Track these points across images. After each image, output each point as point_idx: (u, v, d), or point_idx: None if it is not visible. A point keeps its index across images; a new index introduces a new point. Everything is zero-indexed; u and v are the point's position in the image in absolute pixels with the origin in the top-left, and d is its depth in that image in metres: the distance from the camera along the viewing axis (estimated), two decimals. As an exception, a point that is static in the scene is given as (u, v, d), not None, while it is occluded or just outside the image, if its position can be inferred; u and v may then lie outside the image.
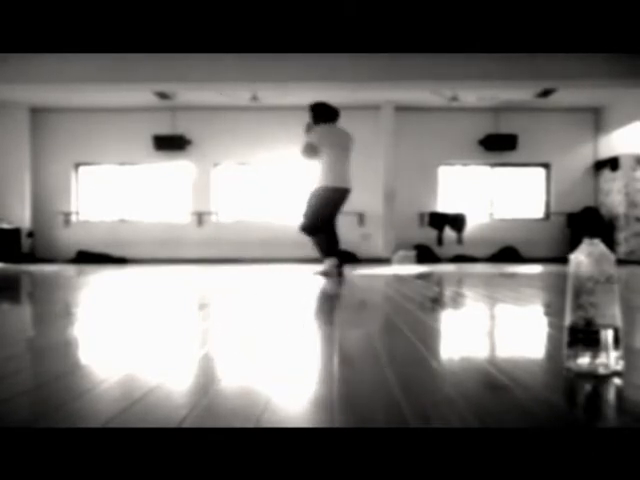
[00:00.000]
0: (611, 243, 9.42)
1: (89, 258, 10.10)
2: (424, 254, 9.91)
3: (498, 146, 10.39)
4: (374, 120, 10.31)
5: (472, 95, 9.59)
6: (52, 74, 7.90)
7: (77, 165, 10.80)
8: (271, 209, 10.56)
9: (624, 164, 9.46)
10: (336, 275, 5.27)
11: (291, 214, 10.60)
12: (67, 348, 1.76)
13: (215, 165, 10.62)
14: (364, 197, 10.41)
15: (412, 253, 9.63)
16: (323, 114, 5.79)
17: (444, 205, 10.66)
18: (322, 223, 5.49)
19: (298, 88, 8.73)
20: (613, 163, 9.72)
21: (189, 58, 7.48)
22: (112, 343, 1.86)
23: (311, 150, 5.54)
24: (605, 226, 9.72)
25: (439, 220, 10.34)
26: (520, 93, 9.40)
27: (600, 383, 1.23)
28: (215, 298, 3.52)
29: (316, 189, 5.55)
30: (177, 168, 10.79)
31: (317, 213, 5.49)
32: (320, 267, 5.47)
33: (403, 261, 9.34)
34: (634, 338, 1.86)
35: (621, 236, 9.46)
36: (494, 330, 2.22)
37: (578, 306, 1.29)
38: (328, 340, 1.83)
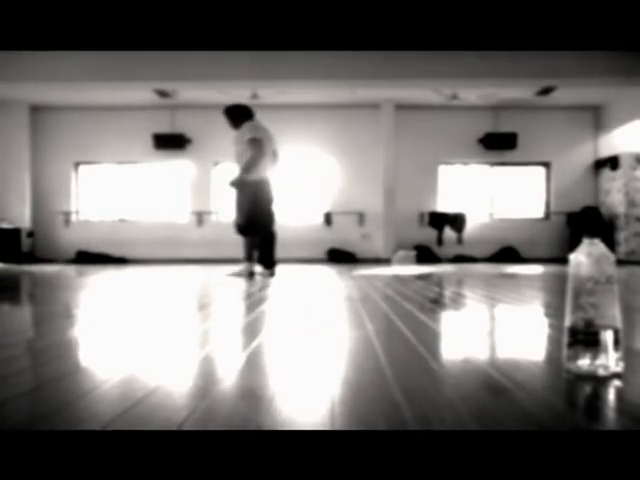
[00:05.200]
0: (611, 243, 9.42)
1: (89, 258, 10.11)
2: (424, 254, 9.91)
3: (498, 145, 10.39)
4: (374, 119, 10.32)
5: (472, 93, 9.59)
6: (52, 72, 7.90)
7: (77, 164, 10.80)
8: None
9: (624, 163, 9.46)
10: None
11: (291, 214, 10.60)
12: (68, 349, 1.76)
13: (215, 164, 10.62)
14: (364, 196, 10.42)
15: (412, 253, 9.63)
16: (242, 114, 5.66)
17: (444, 205, 10.66)
18: (253, 222, 5.48)
19: (298, 86, 8.73)
20: (613, 162, 9.72)
21: (189, 56, 7.48)
22: (112, 344, 1.86)
23: (261, 145, 5.40)
24: (605, 226, 9.71)
25: (439, 220, 10.34)
26: (520, 91, 9.40)
27: (600, 385, 1.23)
28: (215, 298, 3.52)
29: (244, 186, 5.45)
30: (177, 167, 10.79)
31: (244, 212, 5.47)
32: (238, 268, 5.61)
33: (403, 261, 9.34)
34: (634, 339, 1.86)
35: (621, 236, 9.46)
36: (494, 331, 2.22)
37: (578, 307, 1.29)
38: (328, 341, 1.83)
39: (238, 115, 5.65)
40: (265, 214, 5.60)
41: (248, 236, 5.56)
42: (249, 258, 5.55)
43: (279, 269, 6.09)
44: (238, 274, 5.46)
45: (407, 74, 8.00)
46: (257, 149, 5.38)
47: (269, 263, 5.62)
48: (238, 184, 5.48)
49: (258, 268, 5.66)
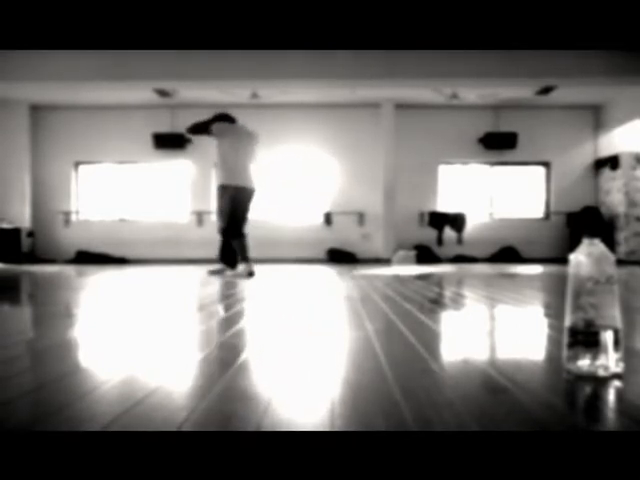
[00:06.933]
0: (611, 243, 9.42)
1: (89, 258, 10.10)
2: (424, 254, 9.91)
3: (498, 144, 10.38)
4: (374, 119, 10.31)
5: (472, 93, 9.59)
6: (52, 71, 7.89)
7: (77, 164, 10.80)
8: (270, 208, 10.56)
9: (624, 162, 9.45)
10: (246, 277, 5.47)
11: (291, 213, 10.60)
12: (68, 349, 1.76)
13: (215, 164, 10.60)
14: (364, 196, 10.42)
15: (412, 253, 9.63)
16: (222, 119, 5.90)
17: (444, 205, 10.65)
18: (237, 224, 5.62)
19: (298, 86, 8.73)
20: (613, 161, 9.71)
21: (189, 55, 7.48)
22: (112, 344, 1.86)
23: (201, 127, 5.72)
24: (605, 226, 9.71)
25: (439, 220, 10.33)
26: (520, 90, 9.40)
27: (600, 385, 1.23)
28: (215, 299, 3.52)
29: (224, 188, 5.64)
30: (177, 167, 10.78)
31: (232, 215, 5.60)
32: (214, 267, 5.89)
33: (403, 261, 9.34)
34: (634, 340, 1.85)
35: (621, 236, 9.45)
36: (494, 331, 2.22)
37: (578, 307, 1.29)
38: (327, 342, 1.83)
39: (217, 117, 5.90)
40: (241, 218, 5.70)
41: (235, 238, 5.64)
42: (245, 258, 5.62)
43: (282, 269, 6.08)
44: (238, 275, 5.52)
45: (407, 74, 7.99)
46: (192, 125, 5.81)
47: (232, 261, 5.76)
48: (219, 188, 5.70)
49: (241, 267, 5.73)
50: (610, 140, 10.08)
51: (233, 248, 5.72)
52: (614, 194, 9.78)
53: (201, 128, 5.73)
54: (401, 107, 10.24)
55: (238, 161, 5.64)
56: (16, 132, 10.26)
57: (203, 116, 8.45)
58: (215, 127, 5.66)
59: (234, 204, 5.58)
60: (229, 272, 5.71)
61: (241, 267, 5.62)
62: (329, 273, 6.19)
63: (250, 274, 5.53)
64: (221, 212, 5.66)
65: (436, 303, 3.17)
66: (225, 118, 5.90)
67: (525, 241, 10.44)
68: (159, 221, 10.66)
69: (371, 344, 1.74)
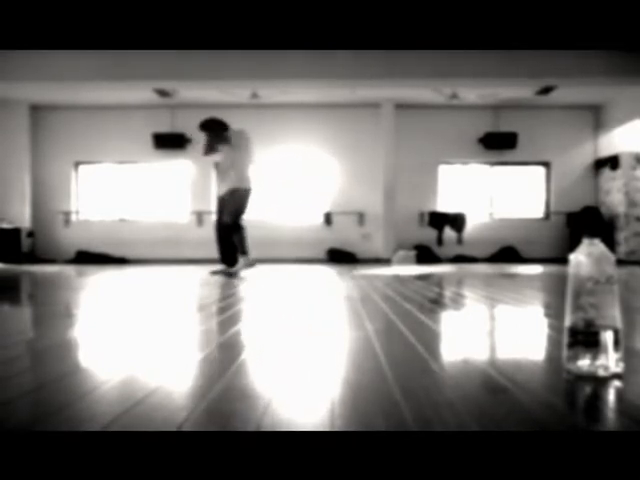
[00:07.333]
0: (611, 243, 9.41)
1: (89, 258, 10.10)
2: (424, 254, 9.90)
3: (498, 144, 10.38)
4: (374, 119, 10.31)
5: (472, 93, 9.59)
6: (52, 72, 7.89)
7: (77, 164, 10.79)
8: (270, 208, 10.56)
9: (624, 162, 9.44)
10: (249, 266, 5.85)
11: (291, 213, 10.60)
12: (68, 349, 1.76)
13: (215, 164, 10.60)
14: (364, 196, 10.42)
15: (412, 253, 9.62)
16: (219, 125, 6.05)
17: (444, 205, 10.65)
18: (237, 220, 5.93)
19: (298, 86, 8.72)
20: (613, 162, 9.70)
21: (189, 55, 7.48)
22: (112, 344, 1.86)
23: (211, 148, 5.98)
24: (605, 226, 9.70)
25: (439, 220, 10.33)
26: (520, 90, 9.39)
27: (600, 385, 1.23)
28: (215, 299, 3.52)
29: (235, 191, 5.88)
30: (177, 167, 10.78)
31: (238, 213, 5.90)
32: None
33: (403, 261, 9.34)
34: (634, 340, 1.85)
35: (621, 236, 9.45)
36: (494, 331, 2.22)
37: (578, 307, 1.29)
38: (328, 341, 1.83)
39: (217, 126, 6.06)
40: (241, 214, 5.97)
41: (235, 232, 5.88)
42: (244, 252, 5.85)
43: (282, 269, 6.11)
44: (240, 267, 5.79)
45: (407, 74, 7.99)
46: (205, 146, 6.06)
47: (233, 261, 5.93)
48: (230, 192, 5.91)
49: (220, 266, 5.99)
50: (610, 140, 10.07)
51: (231, 247, 5.88)
52: (614, 194, 9.78)
53: (218, 141, 5.93)
54: (401, 107, 10.23)
55: (240, 165, 5.92)
56: (16, 132, 10.25)
57: (203, 116, 8.60)
58: (231, 136, 5.90)
59: (240, 204, 5.88)
60: (231, 269, 5.79)
61: (241, 260, 5.80)
62: (329, 273, 6.19)
63: (251, 264, 5.81)
64: (227, 211, 5.93)
65: (436, 303, 3.17)
66: (224, 125, 6.06)
67: (525, 241, 10.44)
68: (159, 221, 10.66)
69: (371, 344, 1.74)
